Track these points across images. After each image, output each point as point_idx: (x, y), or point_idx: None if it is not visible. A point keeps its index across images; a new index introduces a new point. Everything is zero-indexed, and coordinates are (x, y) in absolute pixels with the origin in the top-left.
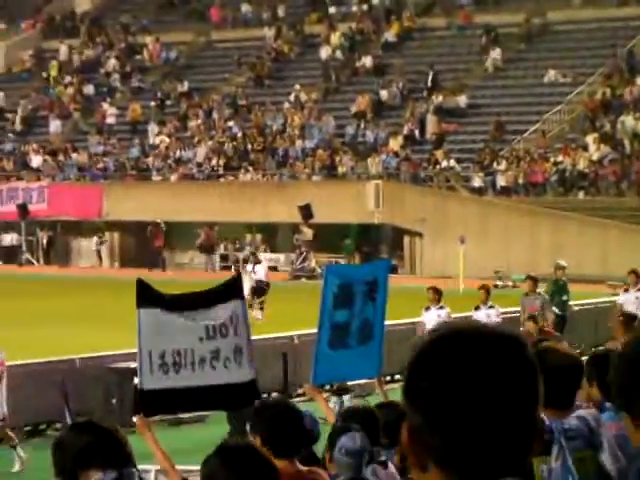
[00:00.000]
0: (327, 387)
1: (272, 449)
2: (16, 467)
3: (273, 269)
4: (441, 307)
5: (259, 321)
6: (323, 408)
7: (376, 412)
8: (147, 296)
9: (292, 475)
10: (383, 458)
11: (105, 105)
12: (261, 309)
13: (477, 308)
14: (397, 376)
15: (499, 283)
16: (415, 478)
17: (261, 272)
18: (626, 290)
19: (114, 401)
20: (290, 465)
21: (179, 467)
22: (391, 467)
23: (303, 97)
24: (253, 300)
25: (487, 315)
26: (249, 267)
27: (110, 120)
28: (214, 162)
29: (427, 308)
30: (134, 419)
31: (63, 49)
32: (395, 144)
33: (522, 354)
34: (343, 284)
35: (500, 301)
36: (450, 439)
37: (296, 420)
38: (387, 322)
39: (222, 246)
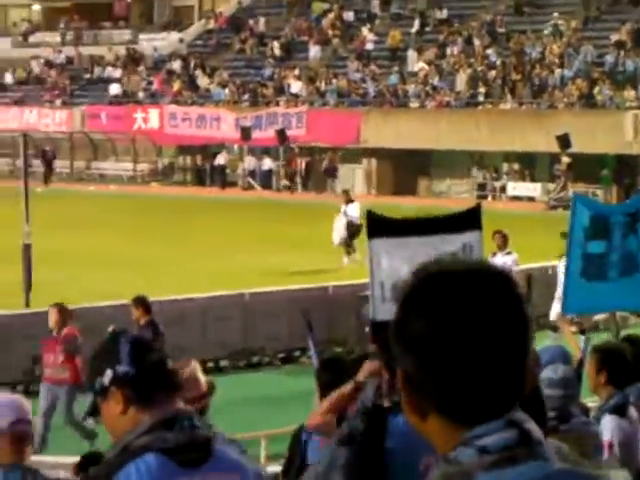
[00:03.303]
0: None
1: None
2: None
3: (530, 199)
4: (508, 253)
5: (347, 264)
6: (571, 342)
7: (627, 350)
8: (378, 226)
9: None
10: (632, 399)
11: (365, 31)
12: (348, 253)
13: (494, 254)
14: None
15: None
16: (414, 424)
17: (353, 212)
18: None
19: (367, 329)
20: None
21: None
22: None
23: (562, 25)
24: (343, 244)
25: (503, 262)
26: (342, 207)
27: (369, 46)
28: (472, 90)
29: (493, 254)
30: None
31: None
32: None
33: (513, 292)
34: (595, 215)
35: None
36: (446, 383)
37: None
38: None
39: (480, 175)
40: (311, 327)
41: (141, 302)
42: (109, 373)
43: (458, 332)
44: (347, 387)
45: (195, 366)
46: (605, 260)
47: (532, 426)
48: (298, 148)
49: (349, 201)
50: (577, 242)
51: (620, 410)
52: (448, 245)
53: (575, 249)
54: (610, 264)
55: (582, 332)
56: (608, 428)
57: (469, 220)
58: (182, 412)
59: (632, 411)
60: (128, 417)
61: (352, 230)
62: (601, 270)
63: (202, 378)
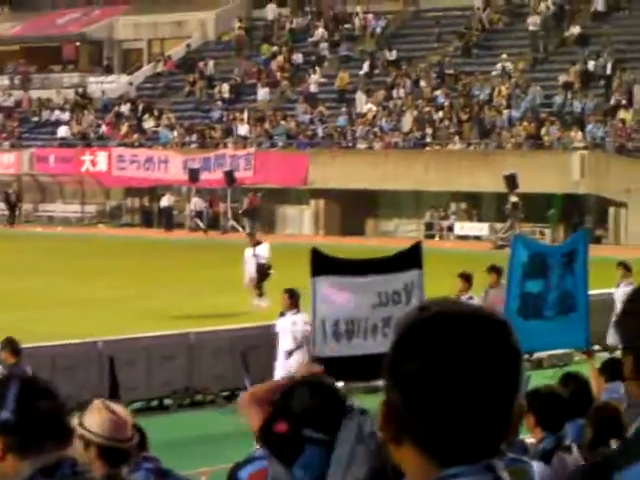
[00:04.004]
0: None
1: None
2: None
3: (477, 238)
4: (470, 297)
5: (263, 308)
6: None
7: (561, 392)
8: (322, 265)
9: None
10: (567, 442)
11: (313, 74)
12: (259, 295)
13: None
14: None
15: None
16: (389, 449)
17: (264, 252)
18: None
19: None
20: None
21: None
22: (574, 450)
23: (510, 67)
24: (255, 287)
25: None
26: (248, 252)
27: (318, 88)
28: (420, 131)
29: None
30: None
31: (273, 18)
32: (626, 114)
33: (508, 340)
34: (534, 255)
35: None
36: (428, 421)
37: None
38: (590, 292)
39: (428, 214)
40: (248, 368)
41: (8, 344)
42: None
43: (449, 377)
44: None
45: (120, 408)
46: (542, 299)
47: (505, 475)
48: (245, 190)
49: (257, 243)
50: (516, 281)
51: (546, 456)
52: (390, 285)
53: (514, 288)
54: (547, 303)
55: None
56: (535, 474)
57: (410, 259)
58: (64, 459)
59: (561, 456)
60: (7, 464)
61: (262, 272)
62: (538, 309)
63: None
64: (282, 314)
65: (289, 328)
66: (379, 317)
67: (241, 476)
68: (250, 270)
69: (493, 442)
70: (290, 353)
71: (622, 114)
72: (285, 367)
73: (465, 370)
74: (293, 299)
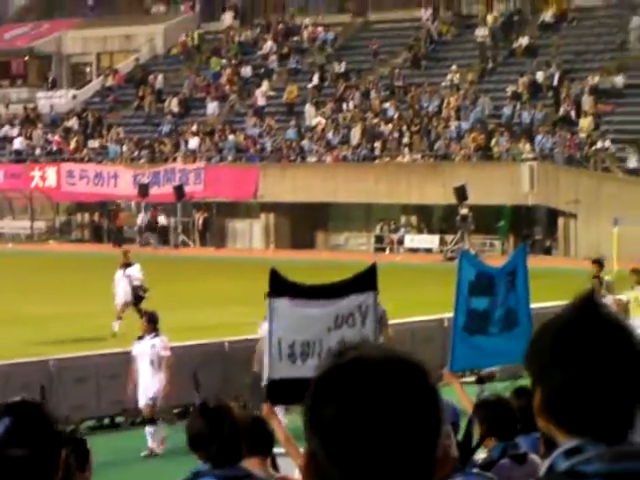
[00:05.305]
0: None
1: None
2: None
3: (428, 251)
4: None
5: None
6: (461, 396)
7: (511, 402)
8: (280, 286)
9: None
10: (522, 450)
11: (262, 87)
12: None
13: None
14: None
15: None
16: None
17: (136, 273)
18: None
19: (263, 384)
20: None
21: None
22: (532, 459)
23: (459, 78)
24: (124, 308)
25: None
26: (119, 273)
27: (266, 102)
28: (369, 144)
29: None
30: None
31: (224, 28)
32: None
33: (425, 384)
34: (480, 273)
35: None
36: (348, 469)
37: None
38: (539, 305)
39: (378, 227)
40: (198, 388)
41: None
42: None
43: (365, 424)
44: None
45: None
46: (487, 316)
47: None
48: (195, 204)
49: (128, 264)
50: (463, 297)
51: (487, 465)
52: (346, 307)
53: (461, 304)
54: (492, 321)
55: (480, 381)
56: None
57: (365, 281)
58: None
59: (502, 464)
60: None
61: (137, 295)
62: (484, 326)
63: None
64: (140, 338)
65: (148, 352)
66: (334, 340)
67: None
68: (124, 292)
69: None
70: (149, 376)
71: (581, 123)
72: (145, 391)
73: (381, 417)
74: (151, 323)
